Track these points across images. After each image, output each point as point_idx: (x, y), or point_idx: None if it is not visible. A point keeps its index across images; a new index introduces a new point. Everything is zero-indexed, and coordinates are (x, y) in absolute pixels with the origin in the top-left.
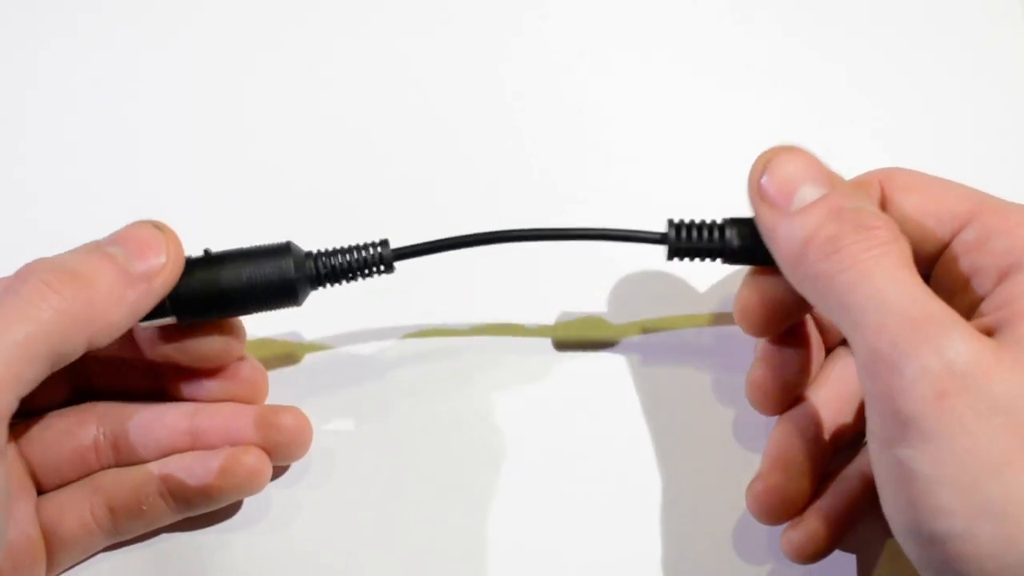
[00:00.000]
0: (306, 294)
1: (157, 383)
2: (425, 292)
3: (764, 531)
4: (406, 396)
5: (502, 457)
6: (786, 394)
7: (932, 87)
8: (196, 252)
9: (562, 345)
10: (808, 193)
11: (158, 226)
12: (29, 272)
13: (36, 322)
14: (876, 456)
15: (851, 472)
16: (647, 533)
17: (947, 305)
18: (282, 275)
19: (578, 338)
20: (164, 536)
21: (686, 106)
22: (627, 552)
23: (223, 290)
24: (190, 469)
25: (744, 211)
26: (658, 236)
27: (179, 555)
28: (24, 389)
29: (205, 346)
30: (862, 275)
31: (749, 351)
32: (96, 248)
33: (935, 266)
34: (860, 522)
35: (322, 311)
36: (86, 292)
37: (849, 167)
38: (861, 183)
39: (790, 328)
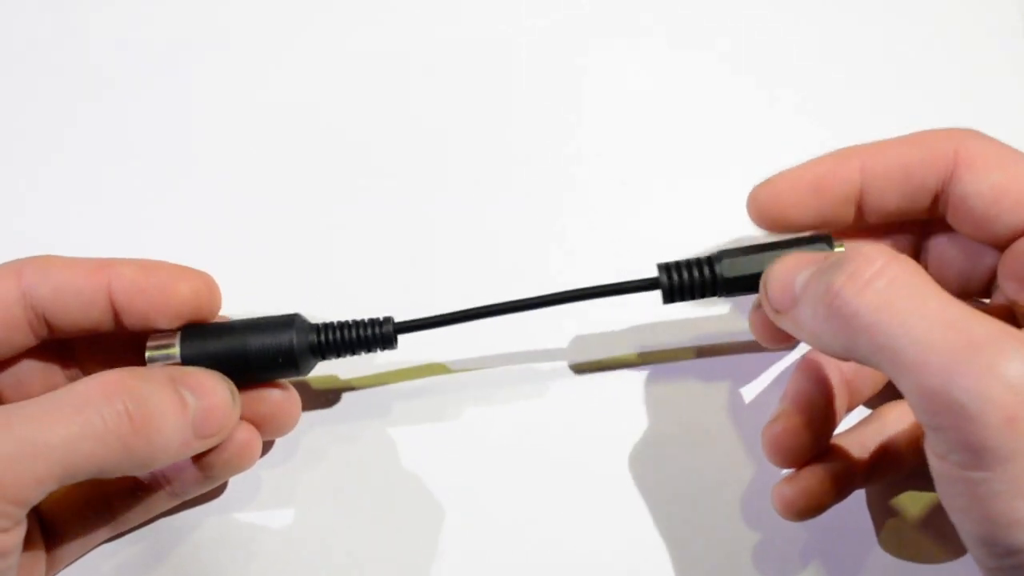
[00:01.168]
0: (309, 365)
1: None
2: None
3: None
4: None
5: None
6: (813, 445)
7: (931, 88)
8: None
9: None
10: (802, 278)
11: (235, 395)
12: (117, 396)
13: (101, 445)
14: (941, 470)
15: (855, 438)
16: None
17: (985, 317)
18: (286, 348)
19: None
20: (159, 529)
21: (673, 129)
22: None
23: (230, 362)
24: None
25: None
26: (650, 282)
27: (174, 549)
28: (56, 487)
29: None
30: (880, 312)
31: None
32: (174, 387)
33: (1008, 249)
34: (854, 490)
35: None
36: (154, 438)
37: None
38: (933, 138)
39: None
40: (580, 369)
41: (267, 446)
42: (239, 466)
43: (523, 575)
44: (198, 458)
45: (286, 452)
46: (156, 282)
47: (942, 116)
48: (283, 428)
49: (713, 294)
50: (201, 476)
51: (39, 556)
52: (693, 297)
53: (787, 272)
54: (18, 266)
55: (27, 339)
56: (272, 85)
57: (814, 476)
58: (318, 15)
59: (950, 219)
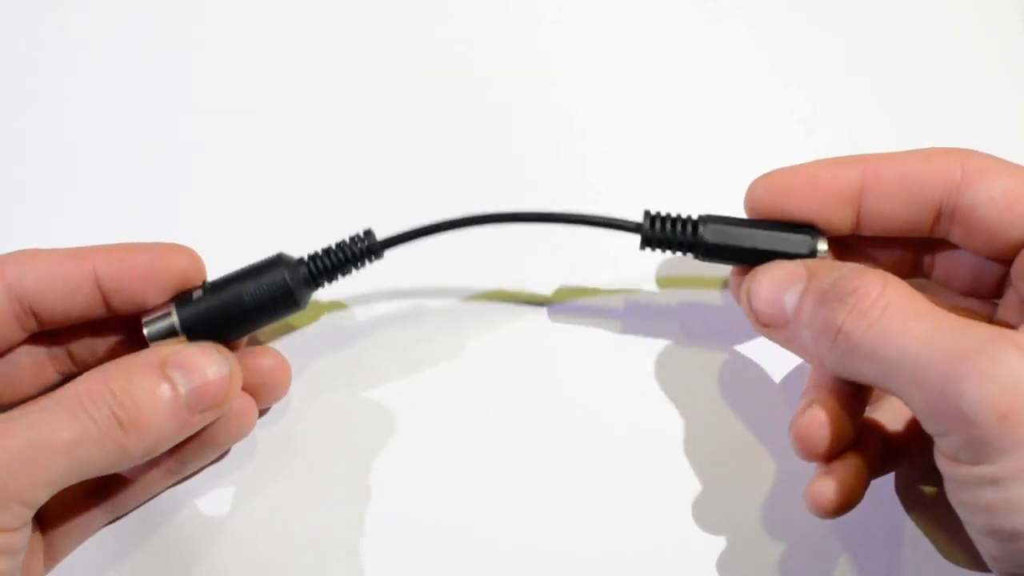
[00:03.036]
0: (307, 297)
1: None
2: (413, 275)
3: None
4: (399, 359)
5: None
6: (844, 435)
7: (931, 88)
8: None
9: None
10: (791, 300)
11: (230, 358)
12: (102, 399)
13: (99, 450)
14: (947, 468)
15: (880, 419)
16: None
17: (975, 324)
18: (280, 286)
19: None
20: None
21: (676, 101)
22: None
23: (230, 315)
24: None
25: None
26: (633, 225)
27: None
28: (61, 488)
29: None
30: (877, 342)
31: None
32: (162, 371)
33: (1020, 254)
34: (883, 475)
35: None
36: (146, 433)
37: None
38: (939, 155)
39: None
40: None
41: (262, 412)
42: (237, 435)
43: (522, 555)
44: (195, 434)
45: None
46: (142, 262)
47: (942, 116)
48: (276, 394)
49: (691, 252)
50: (199, 450)
51: (36, 553)
52: (671, 250)
53: (774, 289)
54: None
55: (16, 334)
56: (239, 37)
57: (848, 469)
58: None
59: (956, 236)
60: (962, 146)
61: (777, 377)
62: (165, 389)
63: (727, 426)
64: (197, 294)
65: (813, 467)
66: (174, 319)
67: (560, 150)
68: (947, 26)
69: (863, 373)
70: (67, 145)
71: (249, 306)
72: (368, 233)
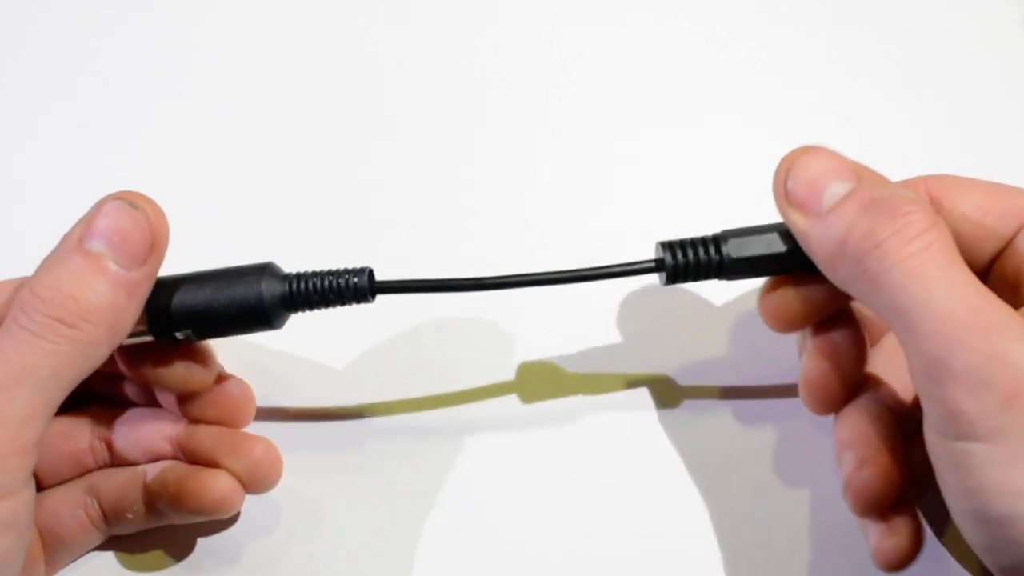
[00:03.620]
0: (283, 318)
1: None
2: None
3: None
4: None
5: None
6: (844, 386)
7: (931, 88)
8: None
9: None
10: (837, 190)
11: (135, 203)
12: (32, 306)
13: (57, 356)
14: (937, 446)
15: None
16: None
17: (1000, 301)
18: (253, 297)
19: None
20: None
21: (674, 116)
22: None
23: (196, 310)
24: (165, 483)
25: (729, 222)
26: (652, 264)
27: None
28: (53, 412)
29: (166, 374)
30: (909, 275)
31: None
32: (80, 249)
33: (995, 263)
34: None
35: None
36: (93, 315)
37: None
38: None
39: (836, 314)
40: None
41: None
42: (219, 513)
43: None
44: (174, 503)
45: None
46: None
47: (942, 116)
48: (264, 487)
49: (718, 276)
50: (181, 513)
51: (38, 564)
52: (697, 278)
53: (818, 172)
54: None
55: None
56: (250, 57)
57: (906, 521)
58: None
59: None
60: (962, 146)
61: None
62: (89, 265)
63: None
64: (172, 280)
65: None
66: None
67: (563, 174)
68: (947, 26)
69: (876, 298)
70: (80, 154)
71: (218, 313)
72: (363, 271)
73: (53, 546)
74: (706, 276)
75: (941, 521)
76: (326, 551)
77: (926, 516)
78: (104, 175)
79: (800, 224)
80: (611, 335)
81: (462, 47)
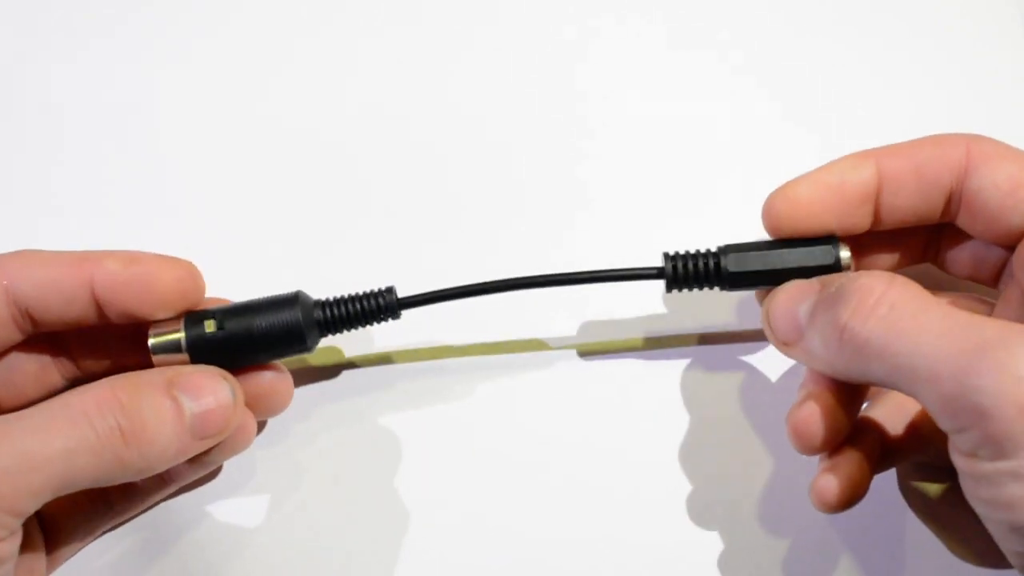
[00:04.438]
0: (316, 341)
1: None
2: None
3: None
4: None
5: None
6: (841, 428)
7: (931, 88)
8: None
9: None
10: (805, 311)
11: (234, 388)
12: (109, 410)
13: (98, 460)
14: (965, 466)
15: (878, 414)
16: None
17: (986, 318)
18: (292, 326)
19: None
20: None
21: (680, 124)
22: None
23: (237, 345)
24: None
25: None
26: (655, 271)
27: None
28: (47, 499)
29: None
30: (887, 338)
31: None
32: (170, 392)
33: (1022, 242)
34: (884, 470)
35: None
36: (147, 450)
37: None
38: (945, 141)
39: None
40: (584, 352)
41: (260, 426)
42: (234, 450)
43: (527, 570)
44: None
45: (281, 434)
46: (138, 273)
47: (942, 116)
48: (276, 408)
49: (717, 286)
50: (196, 464)
51: (39, 556)
52: (697, 287)
53: (788, 305)
54: None
55: (13, 335)
56: (267, 74)
57: (850, 463)
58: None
59: (961, 221)
60: None
61: (775, 377)
62: (171, 408)
63: (723, 427)
64: (209, 325)
65: (813, 466)
66: (181, 336)
67: (573, 182)
68: (946, 26)
69: (874, 372)
70: (95, 165)
71: (258, 339)
72: (389, 290)
73: (54, 538)
74: (704, 285)
75: (916, 494)
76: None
77: (903, 489)
78: (116, 196)
79: (798, 356)
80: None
81: (473, 61)
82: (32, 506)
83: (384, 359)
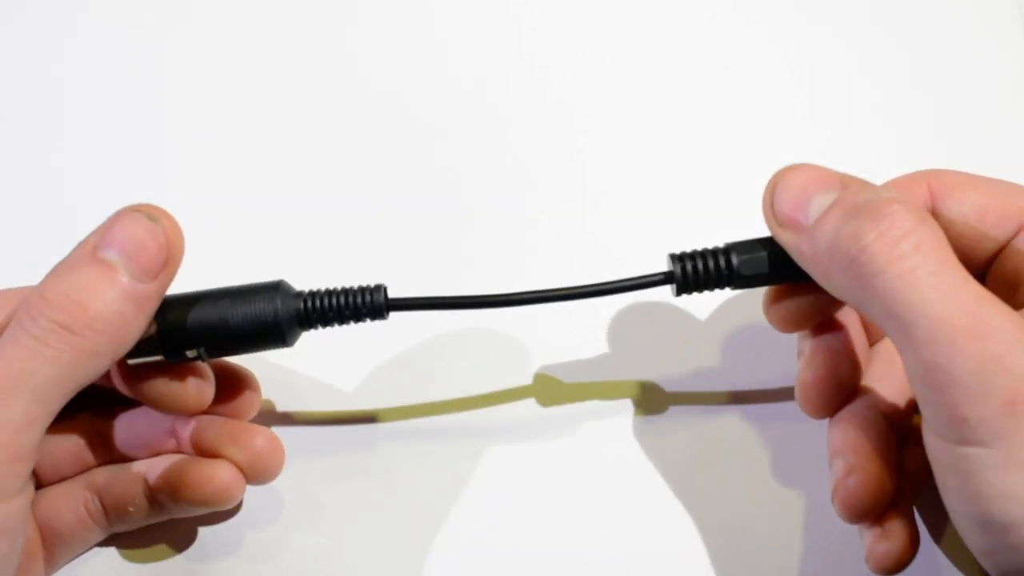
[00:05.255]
0: (296, 335)
1: None
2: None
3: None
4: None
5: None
6: (840, 392)
7: (931, 88)
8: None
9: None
10: (822, 201)
11: (152, 216)
12: (38, 310)
13: (58, 363)
14: (936, 449)
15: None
16: None
17: (998, 301)
18: (268, 315)
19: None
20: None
21: (678, 122)
22: None
23: (211, 328)
24: (167, 475)
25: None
26: (662, 276)
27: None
28: (52, 419)
29: (170, 394)
30: (901, 279)
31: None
32: (93, 258)
33: (993, 263)
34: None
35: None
36: (101, 324)
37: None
38: (905, 183)
39: (831, 320)
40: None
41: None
42: (220, 504)
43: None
44: (176, 495)
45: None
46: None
47: (942, 116)
48: (265, 477)
49: (728, 286)
50: (182, 506)
51: (37, 557)
52: (708, 289)
53: (802, 187)
54: None
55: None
56: (262, 66)
57: (902, 525)
58: None
59: None
60: (962, 145)
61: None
62: (101, 273)
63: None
64: (184, 297)
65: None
66: (152, 331)
67: (569, 173)
68: (946, 26)
69: (870, 304)
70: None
71: (233, 330)
72: (378, 289)
73: (53, 543)
74: (715, 287)
75: (938, 524)
76: (328, 544)
77: (923, 518)
78: (112, 188)
79: (790, 241)
80: (614, 344)
81: (463, 61)
82: (30, 439)
83: (370, 416)
